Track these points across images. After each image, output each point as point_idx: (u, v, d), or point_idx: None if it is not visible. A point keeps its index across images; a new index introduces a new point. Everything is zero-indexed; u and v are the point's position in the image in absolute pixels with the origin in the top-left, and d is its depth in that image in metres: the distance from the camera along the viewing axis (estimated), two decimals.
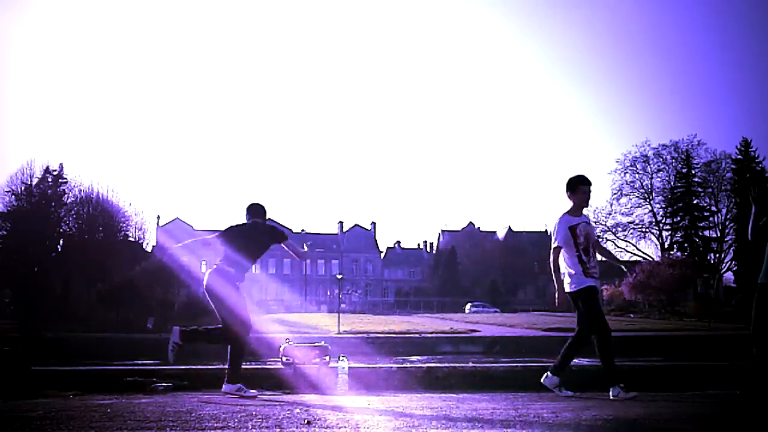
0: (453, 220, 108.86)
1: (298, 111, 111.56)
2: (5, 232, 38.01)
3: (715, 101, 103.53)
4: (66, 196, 39.17)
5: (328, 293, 68.96)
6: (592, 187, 5.37)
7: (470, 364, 8.90)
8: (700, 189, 50.27)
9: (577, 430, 3.30)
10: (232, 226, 5.91)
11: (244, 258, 5.68)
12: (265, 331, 17.51)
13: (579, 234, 5.21)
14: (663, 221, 51.27)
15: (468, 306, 55.85)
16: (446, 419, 3.64)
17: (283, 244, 5.84)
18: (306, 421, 3.51)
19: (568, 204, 5.34)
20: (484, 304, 58.27)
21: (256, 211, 6.03)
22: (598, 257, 5.49)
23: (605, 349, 5.09)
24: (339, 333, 23.40)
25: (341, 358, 6.23)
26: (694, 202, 49.84)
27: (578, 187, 5.30)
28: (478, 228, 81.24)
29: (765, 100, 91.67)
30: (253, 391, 5.17)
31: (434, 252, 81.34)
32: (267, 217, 6.07)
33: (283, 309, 44.06)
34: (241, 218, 5.90)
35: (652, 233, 51.79)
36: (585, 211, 5.45)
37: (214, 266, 5.57)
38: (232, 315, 5.34)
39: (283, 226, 78.14)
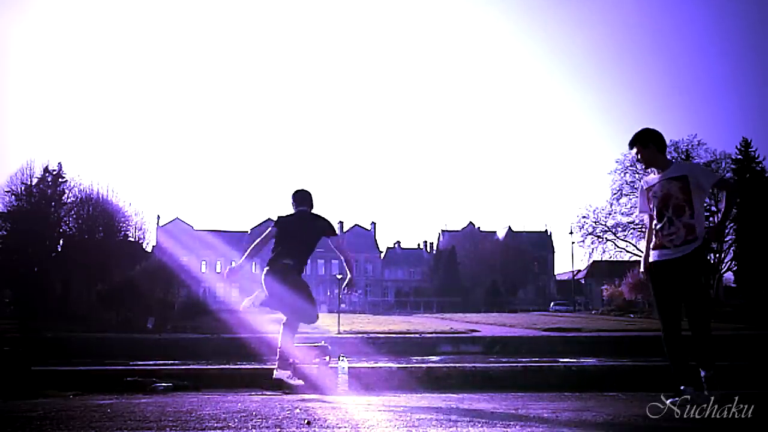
0: (453, 220, 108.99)
1: (298, 111, 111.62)
2: (5, 232, 37.98)
3: (715, 101, 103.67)
4: (66, 196, 39.14)
5: (328, 293, 68.99)
6: (650, 145, 4.55)
7: (470, 364, 8.90)
8: None
9: (577, 430, 3.30)
10: (280, 217, 5.52)
11: (294, 252, 5.32)
12: (265, 331, 17.51)
13: (652, 197, 4.57)
14: None
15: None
16: (446, 419, 3.64)
17: (330, 240, 5.45)
18: (306, 421, 3.51)
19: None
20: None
21: (302, 198, 5.56)
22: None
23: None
24: (339, 333, 23.38)
25: (341, 358, 6.22)
26: None
27: None
28: (478, 228, 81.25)
29: (765, 100, 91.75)
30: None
31: (434, 252, 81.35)
32: (313, 206, 5.60)
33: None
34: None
35: None
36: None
37: (268, 261, 5.35)
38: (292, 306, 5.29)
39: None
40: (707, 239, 4.30)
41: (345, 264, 5.55)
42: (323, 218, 5.50)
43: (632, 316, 37.93)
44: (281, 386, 5.84)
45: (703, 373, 4.18)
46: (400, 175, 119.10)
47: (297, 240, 5.35)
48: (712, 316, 4.23)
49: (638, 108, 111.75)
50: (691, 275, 4.23)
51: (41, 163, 38.98)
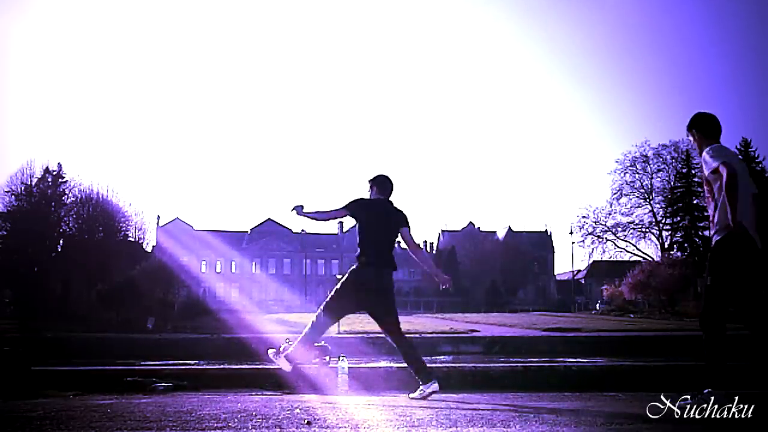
0: (453, 220, 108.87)
1: (297, 111, 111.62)
2: (5, 232, 38.00)
3: (715, 101, 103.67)
4: (66, 196, 39.18)
5: (329, 293, 68.95)
6: (692, 131, 4.35)
7: (470, 364, 8.90)
8: (700, 189, 50.26)
9: (577, 430, 3.30)
10: (361, 200, 5.03)
11: (379, 242, 4.95)
12: (265, 331, 17.52)
13: None
14: (663, 221, 51.27)
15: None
16: (446, 419, 3.64)
17: (401, 232, 5.10)
18: (306, 421, 3.51)
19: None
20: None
21: (384, 186, 5.10)
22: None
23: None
24: (339, 333, 23.35)
25: (341, 358, 6.22)
26: (694, 202, 49.85)
27: None
28: (478, 228, 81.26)
29: (765, 100, 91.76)
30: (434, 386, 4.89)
31: (434, 252, 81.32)
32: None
33: (283, 309, 44.06)
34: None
35: (652, 233, 51.79)
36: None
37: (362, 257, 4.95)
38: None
39: (285, 226, 78.14)
40: (731, 232, 3.97)
41: (423, 262, 5.31)
42: (401, 210, 5.14)
43: (632, 316, 37.92)
44: (281, 386, 5.84)
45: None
46: (400, 175, 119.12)
47: (383, 238, 5.00)
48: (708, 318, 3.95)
49: (638, 108, 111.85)
50: (707, 270, 4.11)
51: (41, 163, 39.07)
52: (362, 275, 4.97)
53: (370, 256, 4.95)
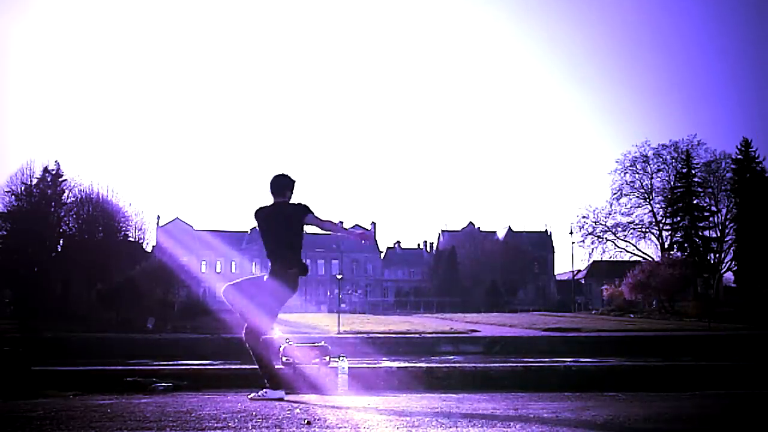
0: (453, 220, 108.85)
1: (297, 111, 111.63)
2: (5, 232, 37.97)
3: (715, 101, 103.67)
4: (66, 195, 39.13)
5: (328, 293, 68.99)
6: None
7: (470, 364, 8.91)
8: (700, 189, 50.23)
9: (577, 430, 3.30)
10: (257, 209, 5.02)
11: (278, 248, 4.90)
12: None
13: None
14: (663, 221, 51.24)
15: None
16: (446, 419, 3.64)
17: (307, 219, 4.93)
18: (306, 421, 3.51)
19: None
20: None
21: (278, 187, 5.02)
22: None
23: None
24: (339, 333, 23.38)
25: (341, 358, 6.22)
26: (694, 202, 49.82)
27: None
28: (478, 228, 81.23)
29: (765, 100, 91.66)
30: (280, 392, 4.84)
31: (434, 252, 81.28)
32: (292, 192, 5.06)
33: (283, 309, 43.97)
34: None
35: (652, 233, 51.77)
36: None
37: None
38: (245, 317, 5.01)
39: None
40: None
41: (336, 231, 5.27)
42: (297, 204, 5.01)
43: (632, 316, 37.92)
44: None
45: None
46: (400, 175, 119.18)
47: (282, 241, 4.95)
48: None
49: (638, 108, 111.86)
50: None
51: (41, 163, 38.96)
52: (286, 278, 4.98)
53: (277, 262, 4.94)
